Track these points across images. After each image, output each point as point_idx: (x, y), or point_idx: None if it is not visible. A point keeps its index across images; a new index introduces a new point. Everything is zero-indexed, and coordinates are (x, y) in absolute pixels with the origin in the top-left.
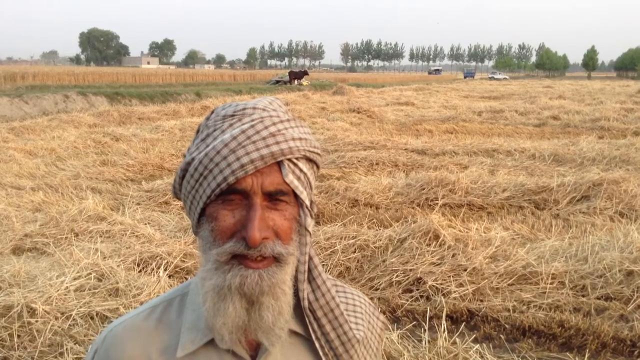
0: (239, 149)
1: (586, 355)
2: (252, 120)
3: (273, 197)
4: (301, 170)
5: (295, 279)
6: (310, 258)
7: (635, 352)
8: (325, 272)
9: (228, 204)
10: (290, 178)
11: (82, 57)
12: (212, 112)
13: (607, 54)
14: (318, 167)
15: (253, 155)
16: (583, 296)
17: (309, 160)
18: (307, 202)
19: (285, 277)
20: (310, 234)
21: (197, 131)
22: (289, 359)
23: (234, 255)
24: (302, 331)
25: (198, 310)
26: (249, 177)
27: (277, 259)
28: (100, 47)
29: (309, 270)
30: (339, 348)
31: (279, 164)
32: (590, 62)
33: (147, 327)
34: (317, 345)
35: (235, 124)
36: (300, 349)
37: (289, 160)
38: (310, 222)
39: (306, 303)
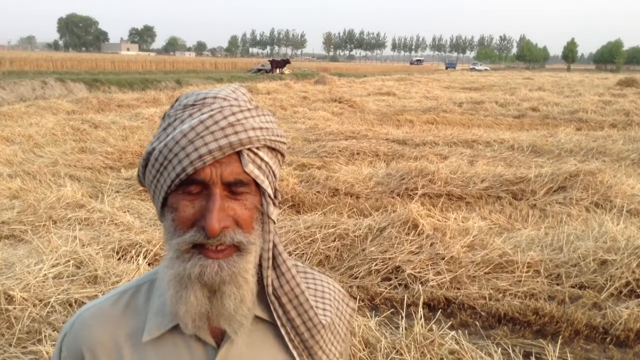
0: (197, 140)
1: (559, 342)
2: (212, 110)
3: (233, 187)
4: (262, 160)
5: (260, 266)
6: (275, 245)
7: (608, 339)
8: (305, 260)
9: (188, 194)
10: (250, 168)
11: (61, 42)
12: (176, 101)
13: (587, 47)
14: (283, 155)
15: (211, 146)
16: (558, 284)
17: (272, 149)
18: (270, 191)
19: (247, 265)
20: (274, 222)
21: (163, 119)
22: (254, 345)
23: (195, 245)
24: (268, 317)
25: (164, 296)
26: (207, 167)
27: (238, 248)
28: (79, 32)
29: (274, 258)
30: (304, 333)
31: (239, 153)
32: (570, 54)
33: (115, 313)
34: (282, 331)
35: (195, 114)
36: (265, 334)
37: (249, 149)
38: (273, 211)
39: (270, 289)
